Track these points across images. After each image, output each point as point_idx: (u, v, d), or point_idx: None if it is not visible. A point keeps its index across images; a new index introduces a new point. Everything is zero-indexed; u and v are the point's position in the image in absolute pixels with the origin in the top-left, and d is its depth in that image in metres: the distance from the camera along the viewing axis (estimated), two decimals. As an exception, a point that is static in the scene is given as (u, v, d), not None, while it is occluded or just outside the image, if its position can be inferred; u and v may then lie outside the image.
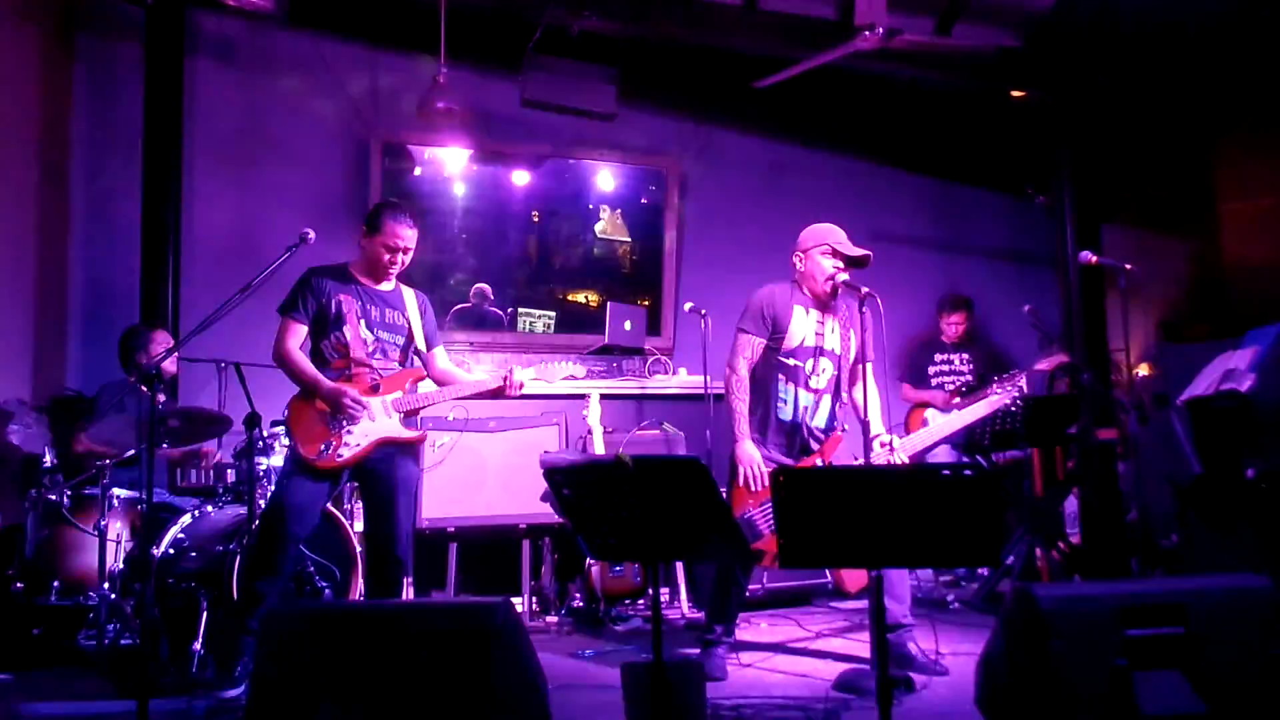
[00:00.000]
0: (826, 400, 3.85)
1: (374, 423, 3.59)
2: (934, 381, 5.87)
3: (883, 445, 3.70)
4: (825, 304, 3.84)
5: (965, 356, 5.86)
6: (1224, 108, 6.29)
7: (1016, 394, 4.04)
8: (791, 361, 3.77)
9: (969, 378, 5.72)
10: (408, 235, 3.68)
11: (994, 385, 4.05)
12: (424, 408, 3.75)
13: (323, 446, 3.54)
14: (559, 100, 5.60)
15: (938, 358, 5.91)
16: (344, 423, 3.56)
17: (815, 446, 3.85)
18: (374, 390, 3.63)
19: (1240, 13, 5.37)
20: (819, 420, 3.84)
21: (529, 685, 2.49)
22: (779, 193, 6.64)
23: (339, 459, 3.54)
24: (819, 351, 3.81)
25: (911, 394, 5.90)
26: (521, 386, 3.73)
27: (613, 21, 5.56)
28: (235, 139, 5.83)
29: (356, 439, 3.56)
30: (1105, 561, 5.35)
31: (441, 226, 6.16)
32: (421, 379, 3.80)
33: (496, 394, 3.76)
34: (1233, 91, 6.11)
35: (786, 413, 3.78)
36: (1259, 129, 6.30)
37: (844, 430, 3.91)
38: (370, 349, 3.66)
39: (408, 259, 3.73)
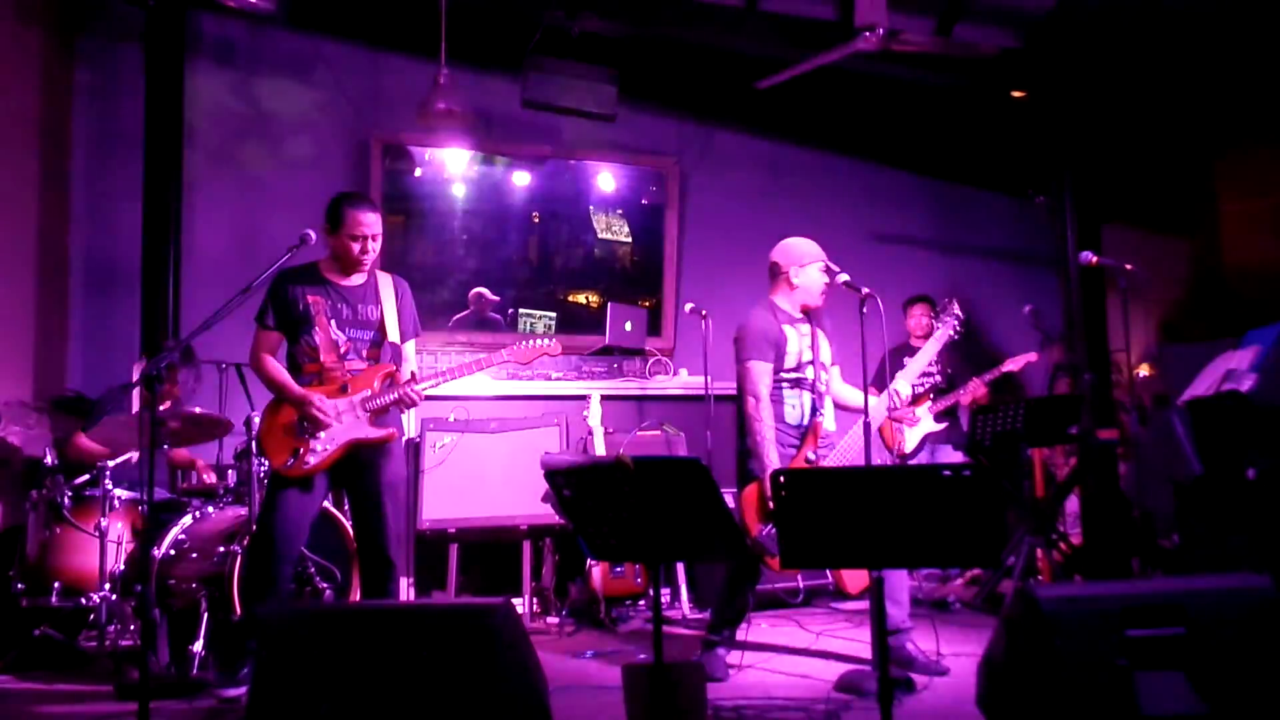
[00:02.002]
0: (826, 401, 3.98)
1: (341, 425, 3.49)
2: None
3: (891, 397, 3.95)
4: (807, 315, 3.98)
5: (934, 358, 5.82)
6: (1225, 107, 6.29)
7: (956, 322, 4.10)
8: (794, 375, 3.91)
9: (938, 378, 5.69)
10: (371, 220, 3.52)
11: (935, 321, 4.18)
12: (393, 405, 3.56)
13: (290, 455, 3.46)
14: (559, 101, 5.60)
15: (906, 361, 5.86)
16: (311, 428, 3.46)
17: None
18: (342, 391, 3.52)
19: (1241, 11, 5.37)
20: (829, 422, 3.95)
21: (530, 686, 2.49)
22: (779, 193, 6.65)
23: (306, 466, 3.45)
24: (809, 362, 3.95)
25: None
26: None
27: (613, 22, 5.56)
28: (236, 140, 5.84)
29: (323, 444, 3.46)
30: (1105, 561, 5.36)
31: (442, 227, 6.16)
32: (391, 375, 3.60)
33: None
34: (1234, 91, 6.11)
35: (794, 416, 3.89)
36: (1260, 128, 6.30)
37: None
38: (342, 350, 3.54)
39: (377, 245, 3.56)
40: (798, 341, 3.90)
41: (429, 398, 3.77)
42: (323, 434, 3.47)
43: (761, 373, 3.83)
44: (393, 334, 3.62)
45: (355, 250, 3.53)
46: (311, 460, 3.46)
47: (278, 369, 3.57)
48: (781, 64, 5.40)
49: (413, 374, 3.64)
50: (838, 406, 4.05)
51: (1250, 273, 6.46)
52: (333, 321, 3.55)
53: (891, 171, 6.99)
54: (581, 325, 6.23)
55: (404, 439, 4.23)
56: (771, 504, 3.62)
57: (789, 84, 5.56)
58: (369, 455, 3.54)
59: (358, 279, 3.63)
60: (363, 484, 3.56)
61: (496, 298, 6.18)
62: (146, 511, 3.62)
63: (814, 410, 3.91)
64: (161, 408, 4.25)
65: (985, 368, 5.74)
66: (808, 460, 3.82)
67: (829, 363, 4.02)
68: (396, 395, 3.54)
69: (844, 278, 3.77)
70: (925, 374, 5.77)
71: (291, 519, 3.47)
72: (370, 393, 3.54)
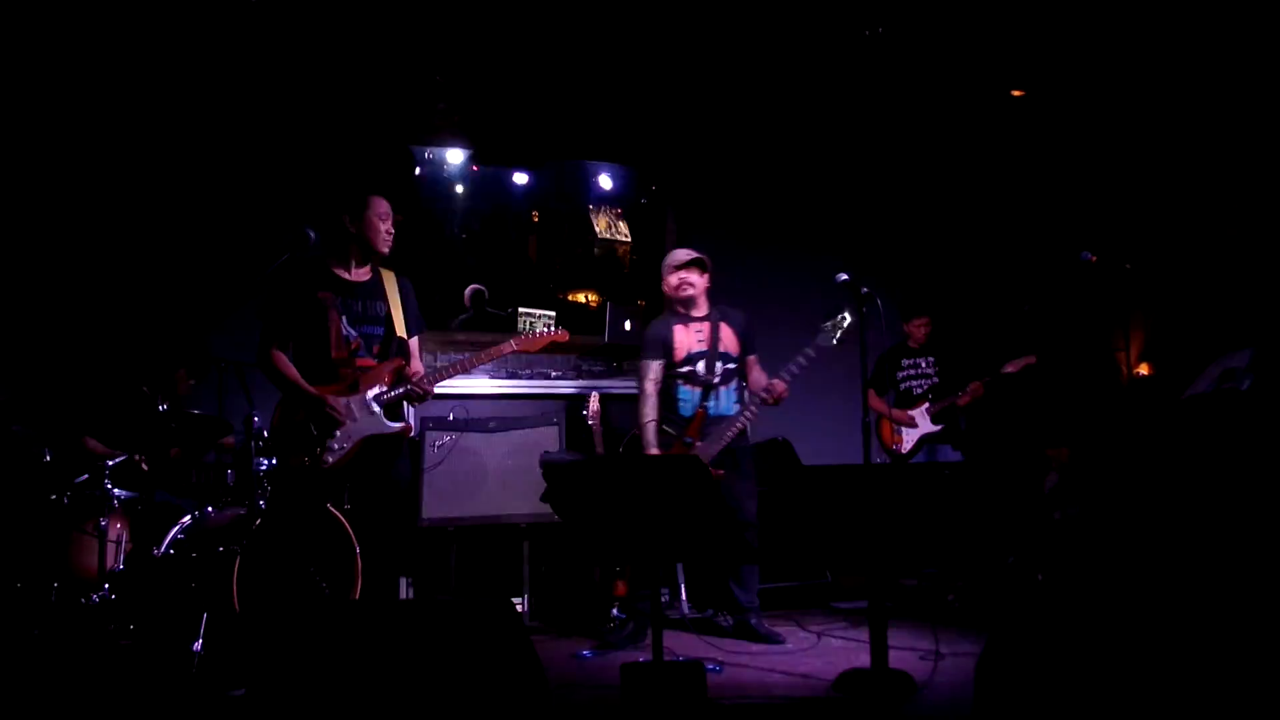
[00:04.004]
0: (724, 391, 4.37)
1: (356, 422, 3.50)
2: (902, 386, 5.80)
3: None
4: (691, 314, 4.43)
5: (930, 359, 5.81)
6: (1225, 107, 6.28)
7: (813, 352, 4.19)
8: (685, 368, 4.38)
9: (935, 379, 5.69)
10: (388, 205, 3.65)
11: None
12: (404, 398, 3.60)
13: (308, 454, 3.47)
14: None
15: (904, 362, 5.85)
16: (324, 429, 3.48)
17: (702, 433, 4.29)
18: (353, 388, 3.54)
19: (1241, 11, 5.37)
20: (723, 408, 4.35)
21: (529, 685, 2.49)
22: (779, 193, 6.64)
23: (324, 464, 3.46)
24: (700, 355, 4.38)
25: (876, 402, 5.73)
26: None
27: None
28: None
29: (340, 442, 3.48)
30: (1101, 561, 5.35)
31: (441, 227, 6.17)
32: (401, 369, 3.64)
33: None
34: (1235, 90, 6.10)
35: (686, 409, 4.36)
36: (1261, 129, 6.29)
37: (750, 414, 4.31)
38: (352, 346, 3.56)
39: (392, 229, 3.67)
40: (683, 336, 4.38)
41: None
42: (338, 432, 3.48)
43: (648, 369, 4.38)
44: (400, 329, 3.64)
45: (384, 230, 3.61)
46: (329, 459, 3.47)
47: (289, 367, 3.55)
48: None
49: (424, 369, 3.66)
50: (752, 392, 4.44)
51: (1249, 274, 6.45)
52: (343, 318, 3.56)
53: (891, 173, 6.98)
54: (581, 325, 6.23)
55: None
56: None
57: (789, 85, 5.57)
58: (380, 451, 3.56)
59: (364, 275, 3.65)
60: (370, 480, 3.58)
61: (488, 295, 6.18)
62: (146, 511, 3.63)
63: (701, 401, 4.33)
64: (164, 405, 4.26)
65: (984, 370, 5.74)
66: (683, 444, 4.26)
67: (735, 352, 4.42)
68: (408, 388, 3.55)
69: (843, 277, 3.79)
70: (922, 375, 5.79)
71: (300, 518, 3.48)
72: (383, 388, 3.56)
